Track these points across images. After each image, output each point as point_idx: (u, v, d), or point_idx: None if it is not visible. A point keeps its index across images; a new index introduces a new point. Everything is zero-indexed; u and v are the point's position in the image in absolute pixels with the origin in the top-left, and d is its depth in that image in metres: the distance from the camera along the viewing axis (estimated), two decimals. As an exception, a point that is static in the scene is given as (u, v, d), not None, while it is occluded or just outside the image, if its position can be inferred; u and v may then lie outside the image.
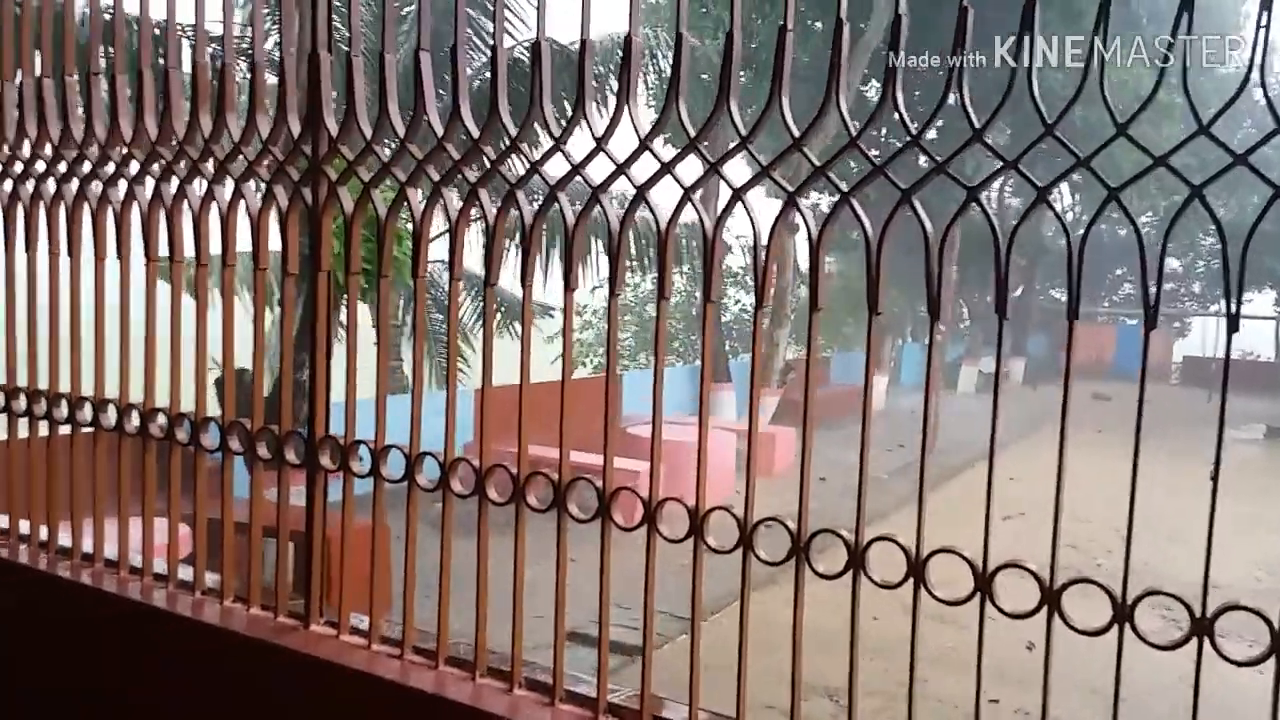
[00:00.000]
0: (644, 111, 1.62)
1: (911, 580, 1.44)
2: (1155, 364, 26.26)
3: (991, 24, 1.42)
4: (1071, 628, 1.34)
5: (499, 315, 11.86)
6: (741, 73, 1.57)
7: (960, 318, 23.46)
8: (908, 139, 1.41)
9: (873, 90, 14.00)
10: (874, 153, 1.45)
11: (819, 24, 15.22)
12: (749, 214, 1.52)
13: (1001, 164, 1.36)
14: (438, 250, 10.65)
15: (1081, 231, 1.34)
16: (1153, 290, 1.28)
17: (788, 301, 14.80)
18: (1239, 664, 1.26)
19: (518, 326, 12.17)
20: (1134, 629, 1.31)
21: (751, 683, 1.60)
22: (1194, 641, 1.28)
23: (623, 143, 1.62)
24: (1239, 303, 1.26)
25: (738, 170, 1.65)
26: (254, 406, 2.03)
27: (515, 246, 9.55)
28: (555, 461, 1.72)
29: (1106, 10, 1.29)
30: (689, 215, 1.59)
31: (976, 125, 1.35)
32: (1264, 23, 1.18)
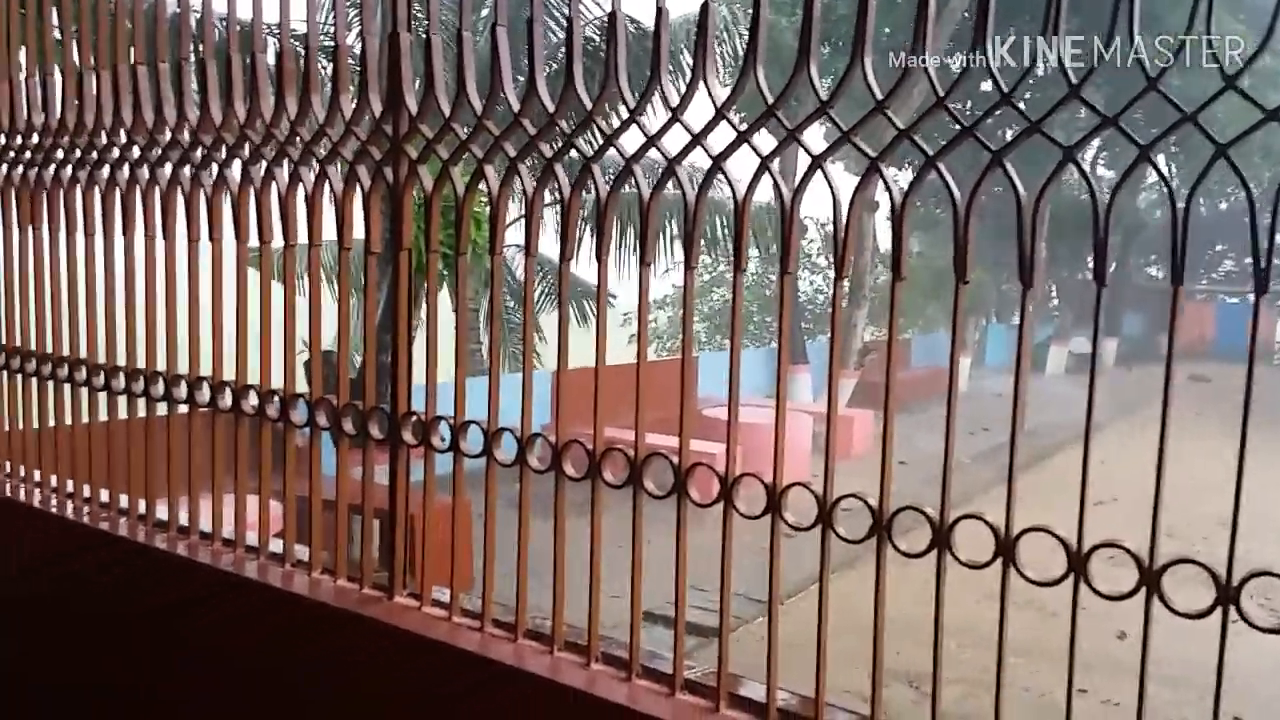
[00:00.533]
0: (721, 92, 1.58)
1: (1000, 561, 1.39)
2: (1261, 344, 24.87)
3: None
4: (1172, 610, 1.28)
5: (552, 301, 11.93)
6: (823, 46, 1.53)
7: (1049, 297, 22.70)
8: (999, 99, 1.36)
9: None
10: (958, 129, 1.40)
11: (900, -3, 14.82)
12: (828, 181, 1.48)
13: (1101, 120, 1.30)
14: (512, 235, 10.76)
15: (1186, 194, 1.27)
16: (1264, 251, 1.21)
17: (866, 282, 14.53)
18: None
19: (586, 306, 12.23)
20: (1239, 612, 1.24)
21: (830, 666, 1.57)
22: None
23: (698, 115, 1.59)
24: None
25: (816, 144, 1.61)
26: (339, 384, 2.08)
27: (586, 228, 9.62)
28: (631, 443, 1.71)
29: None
30: (763, 195, 1.56)
31: (1074, 81, 1.29)
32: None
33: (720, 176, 1.58)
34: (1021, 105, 1.38)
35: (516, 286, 12.20)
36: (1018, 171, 1.35)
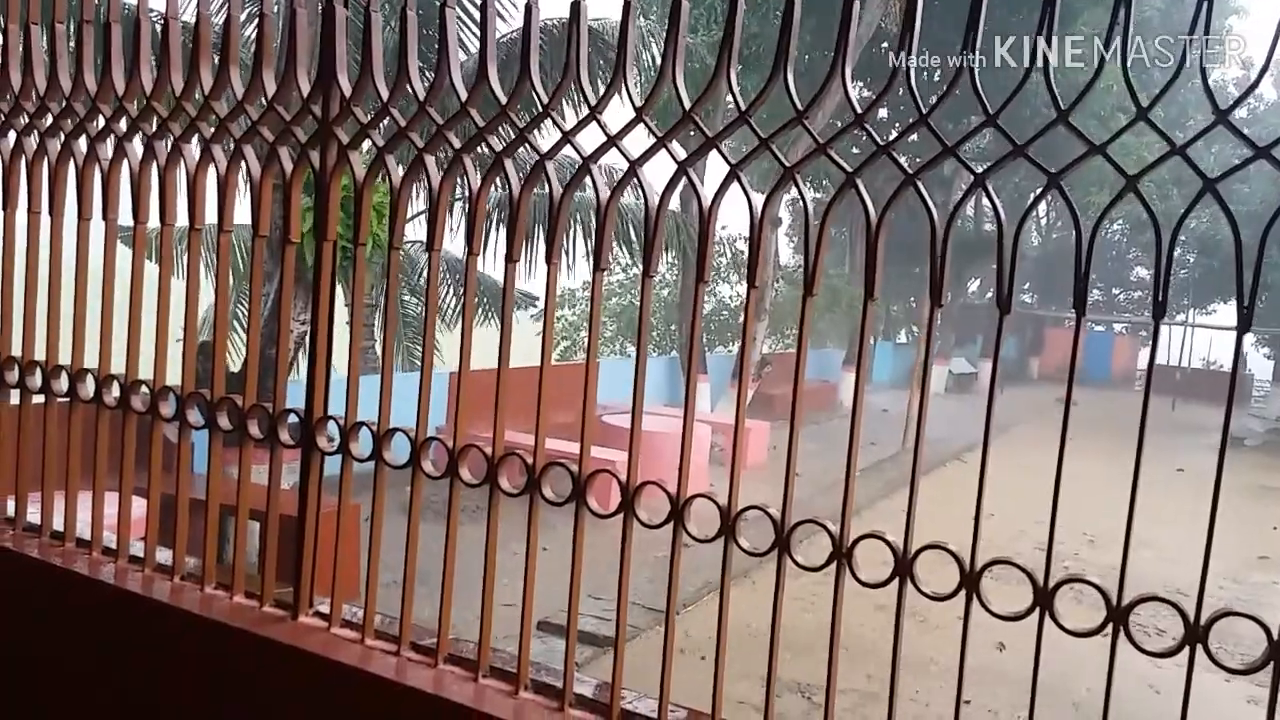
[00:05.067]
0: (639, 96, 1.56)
1: (898, 579, 1.40)
2: (1122, 371, 26.64)
3: (999, 23, 1.40)
4: (1065, 630, 1.32)
5: (483, 305, 11.65)
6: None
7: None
8: (913, 121, 1.40)
9: (858, 91, 13.95)
10: (857, 152, 1.41)
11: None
12: (744, 189, 1.48)
13: (1012, 149, 1.34)
14: (414, 230, 10.41)
15: (1092, 225, 1.35)
16: (1163, 279, 1.30)
17: (766, 295, 14.77)
18: (1235, 671, 1.27)
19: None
20: (1127, 633, 1.30)
21: (725, 680, 1.54)
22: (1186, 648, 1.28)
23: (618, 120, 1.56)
24: (1254, 296, 1.27)
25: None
26: (247, 382, 1.92)
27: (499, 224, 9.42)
28: (530, 448, 1.65)
29: (1129, 7, 1.28)
30: (675, 204, 1.52)
31: (990, 111, 1.33)
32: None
33: (635, 181, 1.55)
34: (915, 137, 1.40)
35: (452, 283, 11.84)
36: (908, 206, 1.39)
